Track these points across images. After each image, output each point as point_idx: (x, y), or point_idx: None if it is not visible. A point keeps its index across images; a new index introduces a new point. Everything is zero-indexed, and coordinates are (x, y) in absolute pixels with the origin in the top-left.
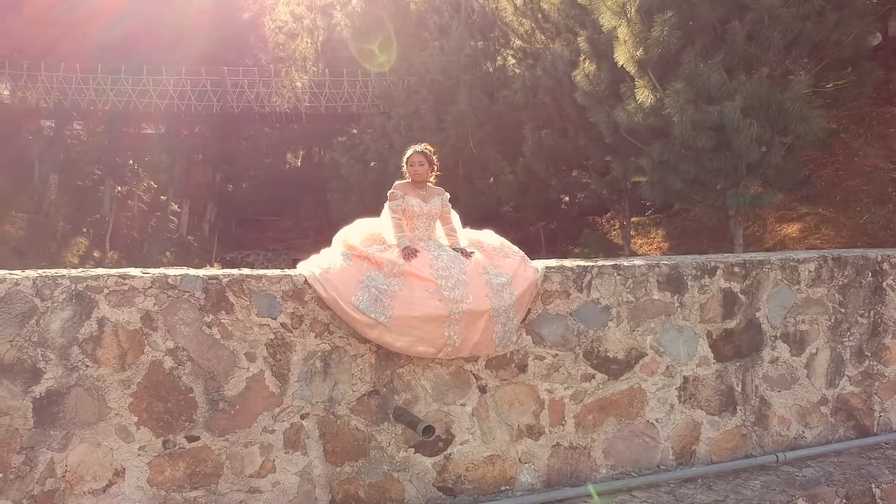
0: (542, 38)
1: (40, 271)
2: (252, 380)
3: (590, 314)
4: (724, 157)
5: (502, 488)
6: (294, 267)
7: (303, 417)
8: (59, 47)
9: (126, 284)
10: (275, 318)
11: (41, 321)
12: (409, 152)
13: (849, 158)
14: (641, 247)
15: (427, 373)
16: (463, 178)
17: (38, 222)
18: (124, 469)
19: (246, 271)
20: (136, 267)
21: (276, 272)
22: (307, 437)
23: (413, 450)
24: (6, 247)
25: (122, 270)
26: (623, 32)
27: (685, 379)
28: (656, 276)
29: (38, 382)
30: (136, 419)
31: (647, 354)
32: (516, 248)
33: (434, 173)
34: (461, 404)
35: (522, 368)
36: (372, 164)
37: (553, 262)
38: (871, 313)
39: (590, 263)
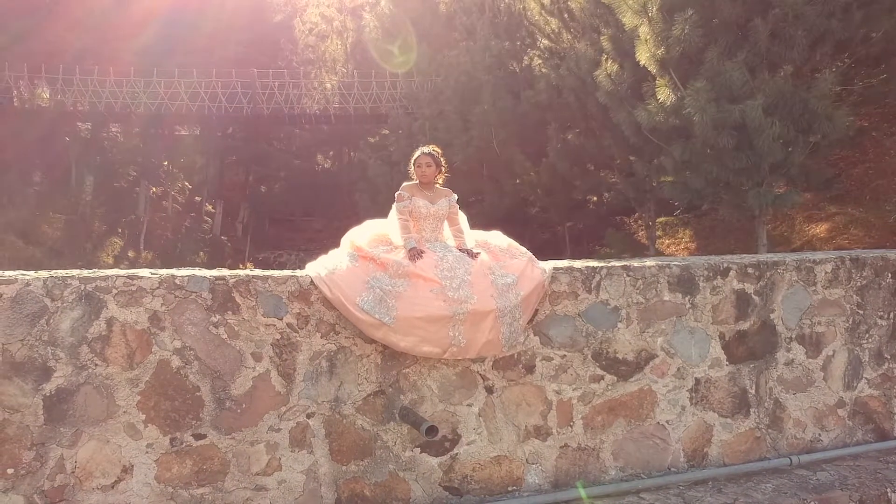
0: (568, 37)
1: (51, 272)
2: (258, 379)
3: (599, 315)
4: (747, 157)
5: (509, 489)
6: None
7: (309, 417)
8: (94, 52)
9: (134, 285)
10: (281, 319)
11: (51, 321)
12: (416, 154)
13: (880, 157)
14: (669, 247)
15: (433, 373)
16: (487, 178)
17: (74, 223)
18: (132, 466)
19: (252, 272)
20: (170, 267)
21: (283, 273)
22: (313, 436)
23: (419, 449)
24: (43, 247)
25: (130, 271)
26: (644, 31)
27: (697, 381)
28: (667, 277)
29: (48, 380)
30: (143, 417)
31: (657, 356)
32: (524, 249)
33: (442, 175)
34: (468, 405)
35: (530, 369)
36: (398, 164)
37: (561, 263)
38: (891, 315)
39: (599, 264)
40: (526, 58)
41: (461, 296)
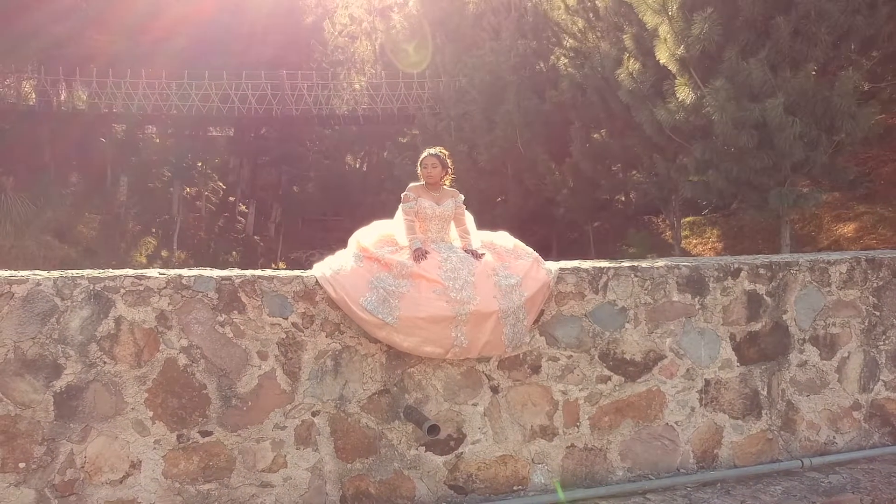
0: (593, 37)
1: (60, 272)
2: (264, 377)
3: (606, 316)
4: (768, 156)
5: (514, 488)
6: None
7: (314, 415)
8: (128, 55)
9: (142, 285)
10: (286, 318)
11: (61, 319)
12: (422, 155)
13: None
14: (696, 247)
15: (438, 373)
16: (512, 178)
17: (109, 223)
18: (140, 461)
19: (258, 272)
20: (203, 266)
21: (288, 273)
22: (318, 434)
23: (424, 448)
24: (79, 246)
25: (138, 271)
26: (664, 30)
27: (707, 382)
28: (676, 277)
29: (58, 377)
30: (151, 414)
31: (666, 357)
32: (530, 250)
33: (448, 176)
34: (473, 404)
35: (536, 369)
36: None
37: (568, 264)
38: None
39: (606, 265)
40: (552, 57)
41: (464, 297)
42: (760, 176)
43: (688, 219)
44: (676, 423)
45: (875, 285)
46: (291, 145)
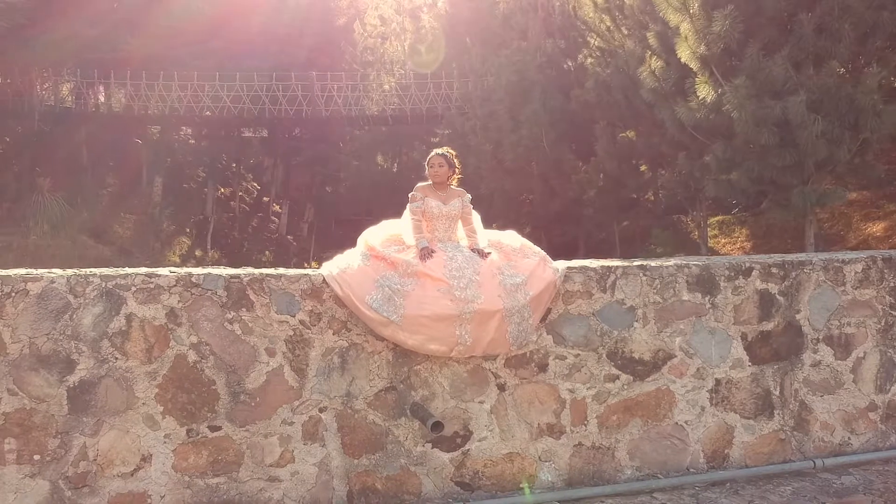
0: (620, 35)
1: (73, 270)
2: (272, 374)
3: (614, 315)
4: (790, 154)
5: (521, 486)
6: None
7: (321, 411)
8: (161, 57)
9: (152, 283)
10: (293, 316)
11: (74, 316)
12: (430, 155)
13: None
14: (724, 246)
15: (444, 370)
16: (537, 177)
17: (143, 223)
18: (151, 455)
19: (266, 271)
20: (236, 265)
21: (296, 272)
22: (325, 430)
23: (430, 445)
24: (114, 246)
25: (149, 270)
26: (685, 28)
27: (717, 381)
28: (685, 276)
29: (71, 372)
30: (161, 409)
31: (675, 356)
32: (537, 249)
33: (456, 176)
34: (479, 402)
35: (543, 368)
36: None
37: (575, 263)
38: None
39: (614, 264)
40: (580, 56)
41: (468, 295)
42: (783, 174)
43: (717, 218)
44: (686, 422)
45: (892, 285)
46: (323, 146)
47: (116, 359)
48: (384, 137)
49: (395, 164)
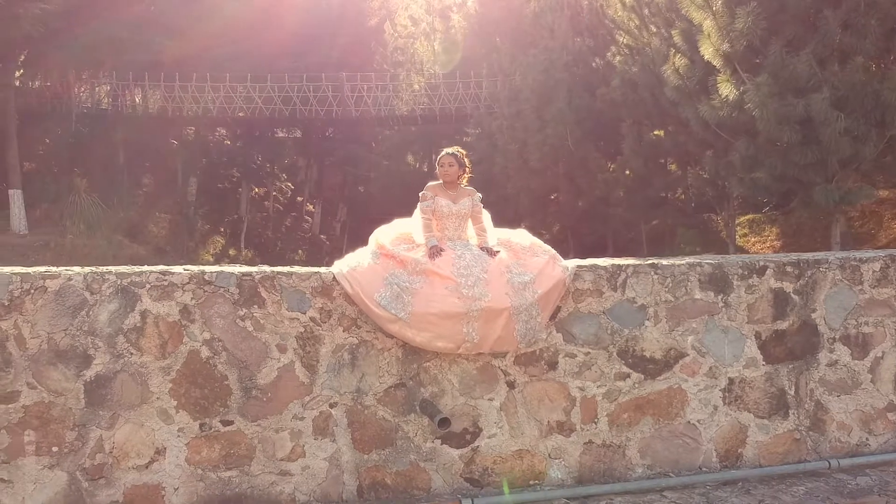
0: (648, 33)
1: (91, 268)
2: (283, 370)
3: (624, 313)
4: (812, 152)
5: (531, 482)
6: None
7: (331, 406)
8: (194, 59)
9: (166, 280)
10: (304, 313)
11: (91, 312)
12: (440, 154)
13: None
14: (754, 245)
15: (454, 367)
16: (563, 177)
17: (178, 222)
18: (165, 448)
19: (277, 269)
20: (269, 264)
21: (307, 269)
22: (335, 425)
23: (440, 441)
24: (149, 245)
25: (163, 267)
26: (708, 25)
27: (731, 380)
28: (698, 275)
29: (88, 367)
30: (175, 403)
31: (687, 355)
32: (547, 248)
33: (466, 175)
34: (489, 399)
35: (552, 365)
36: (479, 164)
37: (586, 262)
38: None
39: (625, 262)
40: (608, 54)
41: (475, 293)
42: (806, 172)
43: (747, 217)
44: (698, 421)
45: None
46: (354, 146)
47: (131, 354)
48: (414, 137)
49: (426, 164)
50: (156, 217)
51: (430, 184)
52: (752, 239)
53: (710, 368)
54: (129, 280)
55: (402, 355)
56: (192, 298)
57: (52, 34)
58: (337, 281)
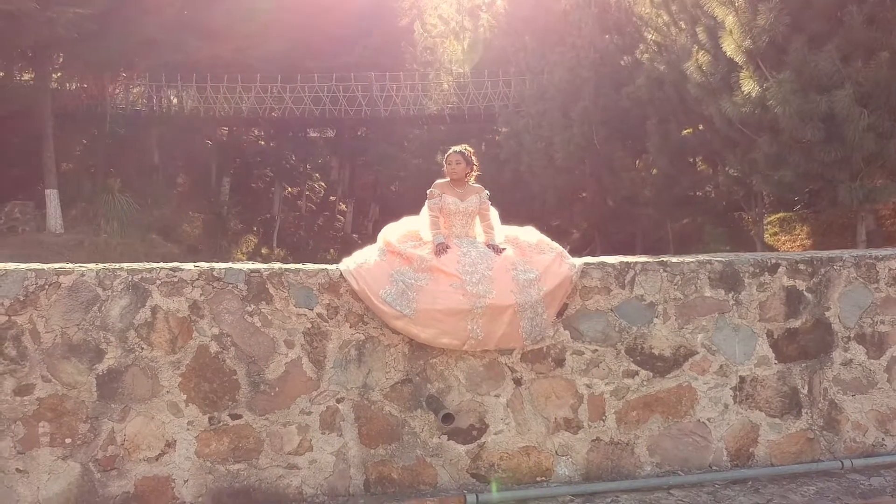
0: (676, 31)
1: (103, 264)
2: (291, 365)
3: (633, 311)
4: (836, 149)
5: (538, 479)
6: None
7: (338, 401)
8: (226, 60)
9: (176, 276)
10: (311, 309)
11: (103, 308)
12: (448, 152)
13: None
14: (784, 244)
15: (460, 364)
16: (589, 176)
17: (211, 221)
18: (175, 441)
19: (286, 266)
20: (300, 262)
21: (314, 266)
22: (342, 420)
23: (446, 437)
24: (182, 244)
25: (173, 264)
26: (730, 22)
27: (742, 379)
28: (708, 273)
29: (100, 361)
30: (185, 397)
31: (697, 353)
32: (555, 245)
33: (473, 173)
34: (495, 395)
35: (560, 362)
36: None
37: (593, 259)
38: None
39: (633, 260)
40: (637, 52)
41: (480, 290)
42: (830, 170)
43: (778, 215)
44: (709, 419)
45: None
46: (385, 146)
47: (142, 349)
48: (443, 136)
49: None
50: (189, 216)
51: (438, 181)
52: (783, 238)
53: (721, 366)
54: (139, 276)
55: (409, 351)
56: (201, 294)
57: (87, 37)
58: (344, 278)
